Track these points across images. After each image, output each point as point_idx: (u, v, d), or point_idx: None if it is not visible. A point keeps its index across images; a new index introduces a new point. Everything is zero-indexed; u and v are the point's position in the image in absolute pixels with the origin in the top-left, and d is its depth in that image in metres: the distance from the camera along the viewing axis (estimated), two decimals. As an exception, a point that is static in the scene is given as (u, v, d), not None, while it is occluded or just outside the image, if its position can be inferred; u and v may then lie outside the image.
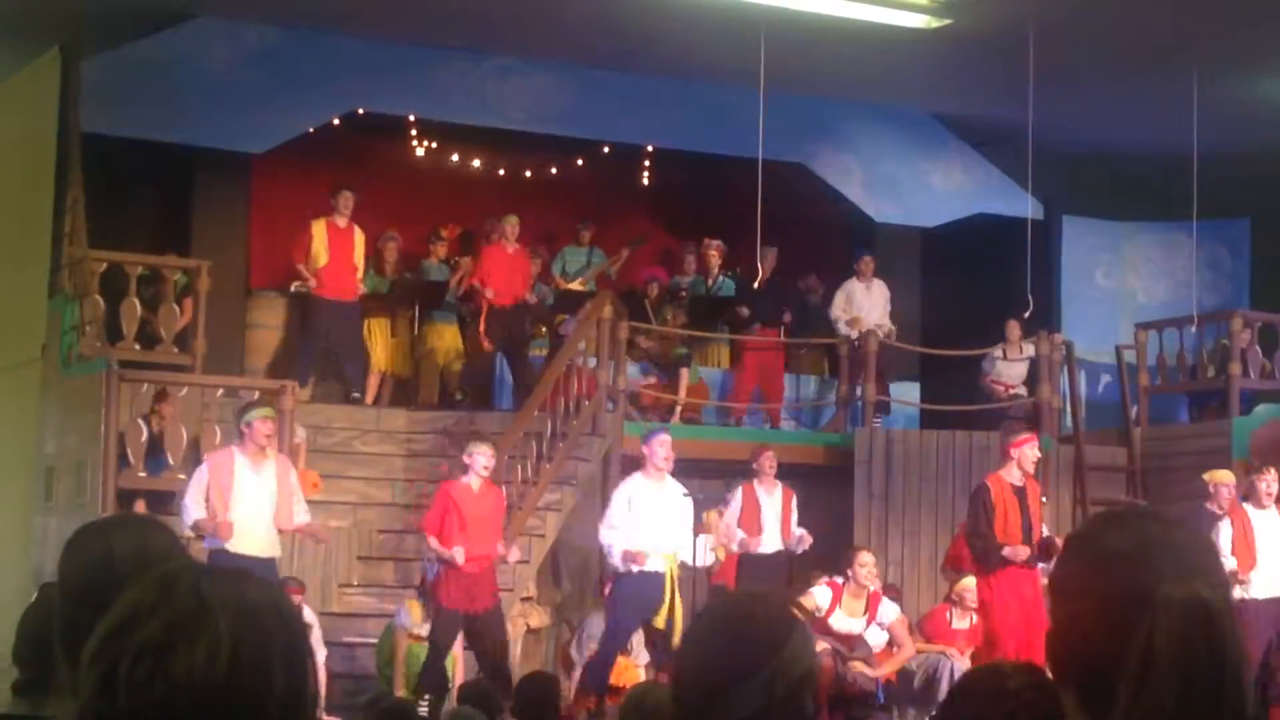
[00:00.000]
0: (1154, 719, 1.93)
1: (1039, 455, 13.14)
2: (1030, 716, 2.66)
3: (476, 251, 17.66)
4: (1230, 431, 16.38)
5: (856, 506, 16.11)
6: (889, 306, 18.06)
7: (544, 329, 17.96)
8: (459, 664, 13.11)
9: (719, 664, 2.94)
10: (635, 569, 12.81)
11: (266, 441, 12.22)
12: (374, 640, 13.60)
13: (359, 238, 16.73)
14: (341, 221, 16.64)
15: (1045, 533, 13.02)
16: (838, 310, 17.87)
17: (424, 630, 12.97)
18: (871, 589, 13.34)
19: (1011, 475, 12.94)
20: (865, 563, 13.33)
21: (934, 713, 12.89)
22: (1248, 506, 13.41)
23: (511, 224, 17.07)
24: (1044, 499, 14.54)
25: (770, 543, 14.01)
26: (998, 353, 17.98)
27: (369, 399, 16.94)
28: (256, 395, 14.33)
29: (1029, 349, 17.69)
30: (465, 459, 13.08)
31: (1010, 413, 17.28)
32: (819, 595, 13.25)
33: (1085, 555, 2.10)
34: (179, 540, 2.69)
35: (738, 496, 14.22)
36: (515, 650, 14.44)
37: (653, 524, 12.83)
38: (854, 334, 17.45)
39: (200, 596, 1.81)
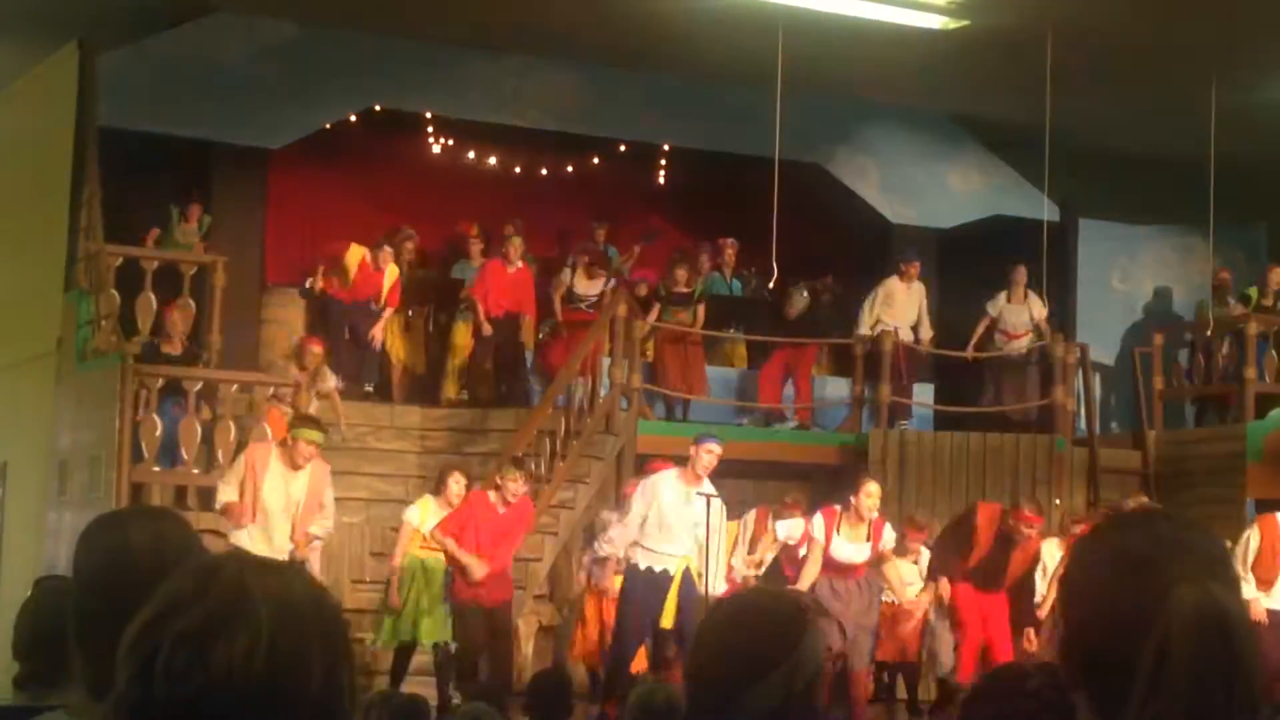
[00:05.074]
0: (1167, 720, 1.93)
1: (1032, 533, 12.79)
2: (1051, 717, 2.66)
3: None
4: (1243, 435, 16.36)
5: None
6: (926, 308, 17.99)
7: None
8: None
9: (735, 660, 2.94)
10: (643, 565, 12.67)
11: (304, 462, 12.32)
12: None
13: (389, 277, 16.72)
14: (376, 261, 16.66)
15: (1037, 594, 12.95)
16: (877, 307, 17.76)
17: (426, 527, 12.94)
18: (874, 517, 12.62)
19: (1007, 531, 12.75)
20: (871, 493, 12.59)
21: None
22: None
23: (515, 245, 17.08)
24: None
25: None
26: (1002, 297, 17.97)
27: (396, 397, 17.01)
28: (271, 390, 14.36)
29: (1035, 302, 17.72)
30: (497, 479, 13.06)
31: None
32: (815, 526, 12.60)
33: (1097, 557, 2.09)
34: (195, 533, 2.69)
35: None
36: (528, 648, 14.45)
37: (668, 525, 12.55)
38: (881, 328, 17.42)
39: (242, 588, 1.79)
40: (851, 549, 12.54)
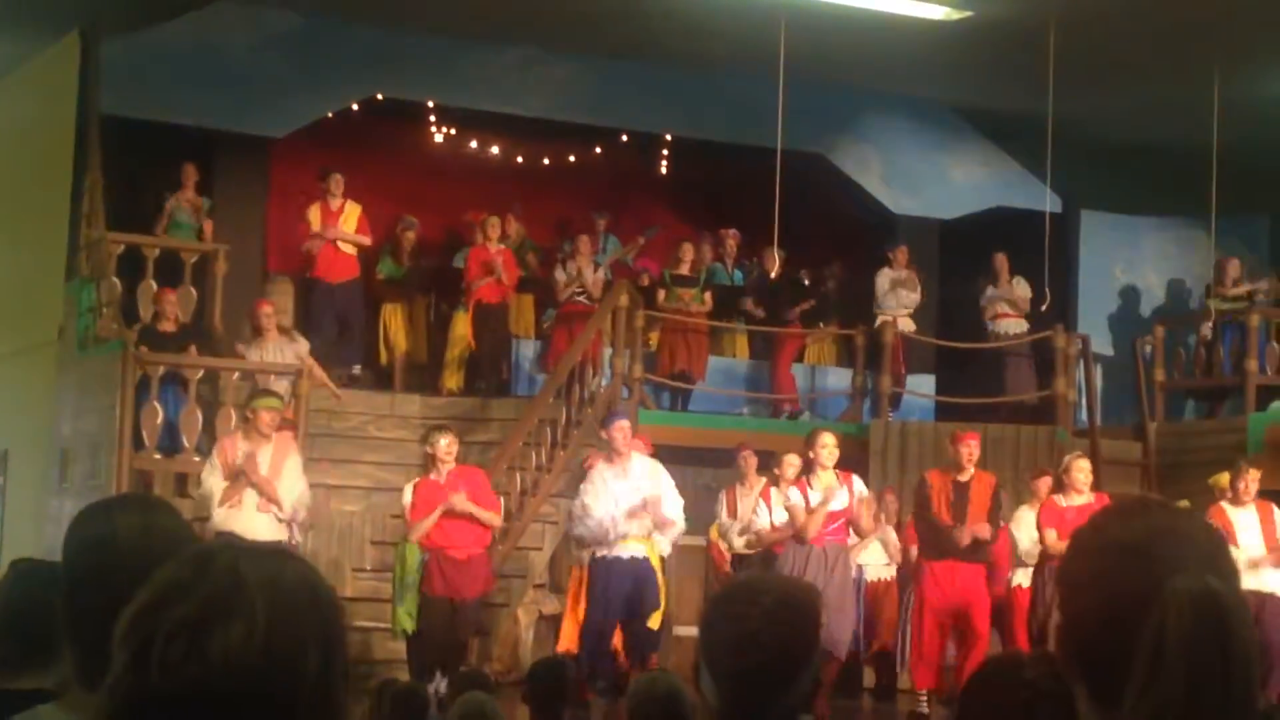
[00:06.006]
0: (1164, 712, 1.92)
1: (974, 454, 12.84)
2: (1047, 706, 2.66)
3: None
4: (1246, 427, 16.36)
5: (870, 498, 16.07)
6: (918, 296, 18.05)
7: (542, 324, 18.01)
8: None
9: (790, 655, 2.94)
10: (601, 554, 12.54)
11: (268, 431, 12.30)
12: (387, 625, 13.61)
13: (351, 214, 16.70)
14: (333, 204, 16.68)
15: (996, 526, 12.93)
16: (885, 294, 17.89)
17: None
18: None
19: (955, 470, 12.87)
20: (827, 444, 12.58)
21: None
22: (1225, 505, 13.35)
23: (492, 224, 17.09)
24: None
25: None
26: (989, 289, 18.03)
27: (397, 385, 17.02)
28: (272, 378, 14.38)
29: (1020, 284, 17.76)
30: (428, 450, 12.95)
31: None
32: (793, 496, 12.58)
33: (1093, 548, 2.09)
34: (185, 521, 2.68)
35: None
36: (528, 637, 14.45)
37: (618, 510, 12.43)
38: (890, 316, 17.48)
39: (237, 575, 1.78)
40: (834, 501, 12.54)
